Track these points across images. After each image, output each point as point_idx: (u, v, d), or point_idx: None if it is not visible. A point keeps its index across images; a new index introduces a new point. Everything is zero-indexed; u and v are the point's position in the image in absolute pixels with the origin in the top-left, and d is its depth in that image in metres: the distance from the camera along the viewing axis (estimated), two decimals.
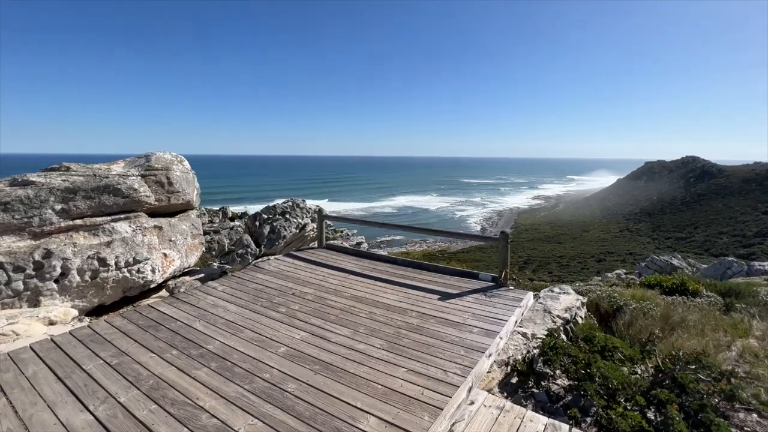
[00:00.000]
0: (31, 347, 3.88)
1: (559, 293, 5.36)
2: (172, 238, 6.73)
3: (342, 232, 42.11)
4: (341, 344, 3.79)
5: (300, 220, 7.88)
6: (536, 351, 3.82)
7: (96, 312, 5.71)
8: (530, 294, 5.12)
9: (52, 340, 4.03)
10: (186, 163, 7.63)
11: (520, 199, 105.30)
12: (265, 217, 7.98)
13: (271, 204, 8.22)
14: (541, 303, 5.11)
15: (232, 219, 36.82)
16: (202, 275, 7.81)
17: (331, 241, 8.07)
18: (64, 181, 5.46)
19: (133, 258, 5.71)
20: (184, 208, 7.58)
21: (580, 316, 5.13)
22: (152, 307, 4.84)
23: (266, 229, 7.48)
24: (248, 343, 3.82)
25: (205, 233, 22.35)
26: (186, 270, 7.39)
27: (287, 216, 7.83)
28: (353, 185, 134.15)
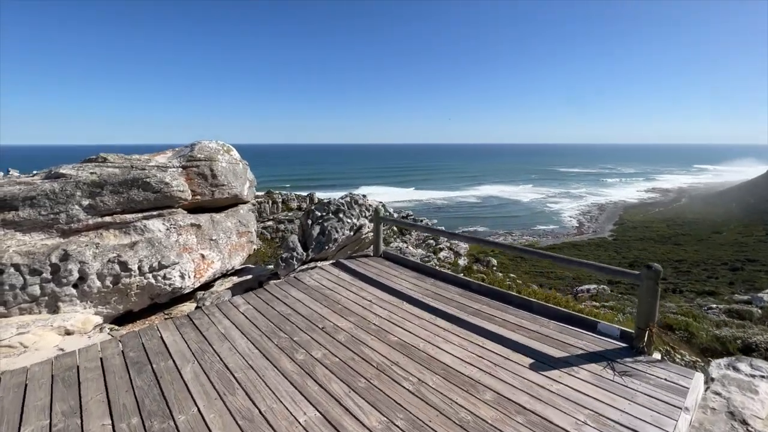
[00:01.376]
0: (27, 370, 3.23)
1: (756, 376, 3.10)
2: (214, 237, 5.96)
3: (421, 221, 40.54)
4: None
5: (355, 221, 6.55)
6: None
7: (124, 319, 5.17)
8: (699, 377, 2.99)
9: (53, 360, 3.31)
10: (234, 153, 6.83)
11: (629, 192, 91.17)
12: (318, 214, 6.85)
13: (325, 199, 7.08)
14: (717, 395, 2.96)
15: None
16: (249, 276, 7.05)
17: (391, 247, 6.61)
18: (91, 173, 4.90)
19: (159, 263, 4.99)
20: (233, 202, 6.82)
21: None
22: (157, 329, 3.97)
23: (316, 230, 6.31)
24: (229, 422, 2.59)
25: (280, 222, 22.63)
26: (230, 272, 6.66)
27: (341, 215, 6.57)
28: (437, 173, 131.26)
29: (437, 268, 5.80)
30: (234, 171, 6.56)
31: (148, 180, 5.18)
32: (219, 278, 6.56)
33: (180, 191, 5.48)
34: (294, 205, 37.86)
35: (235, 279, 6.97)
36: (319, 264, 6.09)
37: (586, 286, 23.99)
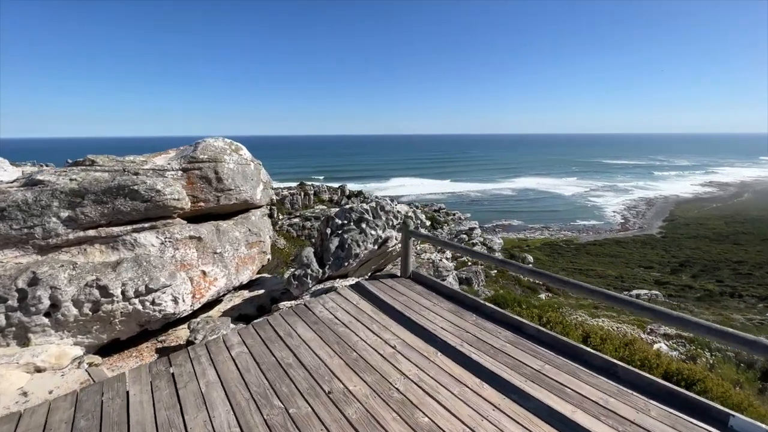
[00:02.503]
0: None
1: None
2: (218, 250, 5.15)
3: (454, 215, 38.94)
4: None
5: (380, 232, 5.51)
6: None
7: (111, 348, 4.48)
8: None
9: None
10: (244, 152, 5.97)
11: (682, 185, 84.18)
12: (339, 223, 5.88)
13: (347, 206, 6.06)
14: None
15: (349, 197, 37.49)
16: (261, 291, 6.25)
17: (420, 268, 5.45)
18: (71, 180, 4.17)
19: (146, 286, 4.22)
20: (243, 208, 6.00)
21: None
22: (125, 382, 3.17)
23: (334, 243, 5.34)
24: None
25: (306, 219, 21.92)
26: (238, 286, 5.88)
27: (364, 225, 5.57)
28: (473, 164, 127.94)
29: (480, 299, 4.66)
30: (243, 173, 5.71)
31: (135, 187, 4.41)
32: (227, 294, 5.80)
33: (175, 199, 4.68)
34: (326, 197, 37.36)
35: (246, 294, 6.19)
36: (336, 284, 5.15)
37: (636, 292, 21.53)
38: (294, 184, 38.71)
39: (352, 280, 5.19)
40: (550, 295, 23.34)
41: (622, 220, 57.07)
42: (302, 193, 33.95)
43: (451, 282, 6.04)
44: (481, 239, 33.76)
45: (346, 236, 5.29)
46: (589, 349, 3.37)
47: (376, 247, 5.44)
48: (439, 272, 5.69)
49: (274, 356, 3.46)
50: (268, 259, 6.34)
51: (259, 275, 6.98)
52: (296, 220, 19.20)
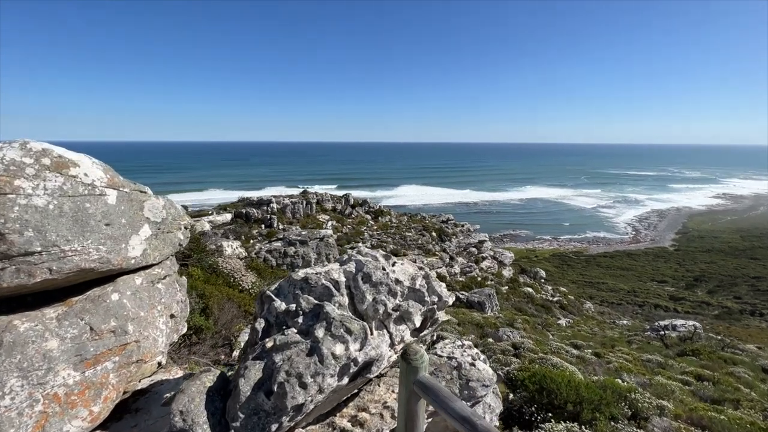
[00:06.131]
0: None
1: None
2: None
3: (462, 226, 39.11)
4: None
5: (355, 348, 2.39)
6: None
7: None
8: None
9: None
10: (87, 168, 2.54)
11: (694, 197, 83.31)
12: (276, 319, 2.63)
13: (302, 273, 2.75)
14: None
15: (353, 207, 37.55)
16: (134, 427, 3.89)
17: (436, 375, 2.75)
18: None
19: None
20: (92, 277, 2.54)
21: None
22: None
23: (251, 376, 2.24)
24: None
25: (290, 243, 15.17)
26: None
27: (321, 329, 2.37)
28: (481, 173, 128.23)
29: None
30: (76, 214, 2.37)
31: None
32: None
33: None
34: (329, 206, 36.51)
35: None
36: None
37: (670, 321, 17.15)
38: (296, 192, 37.90)
39: None
40: (567, 316, 22.76)
41: (633, 232, 56.63)
42: (304, 202, 31.66)
43: (491, 405, 3.29)
44: (491, 252, 33.77)
45: (278, 360, 2.26)
46: None
47: (344, 381, 2.38)
48: (471, 389, 2.92)
49: None
50: (159, 364, 2.90)
51: (157, 378, 3.43)
52: (278, 244, 14.68)
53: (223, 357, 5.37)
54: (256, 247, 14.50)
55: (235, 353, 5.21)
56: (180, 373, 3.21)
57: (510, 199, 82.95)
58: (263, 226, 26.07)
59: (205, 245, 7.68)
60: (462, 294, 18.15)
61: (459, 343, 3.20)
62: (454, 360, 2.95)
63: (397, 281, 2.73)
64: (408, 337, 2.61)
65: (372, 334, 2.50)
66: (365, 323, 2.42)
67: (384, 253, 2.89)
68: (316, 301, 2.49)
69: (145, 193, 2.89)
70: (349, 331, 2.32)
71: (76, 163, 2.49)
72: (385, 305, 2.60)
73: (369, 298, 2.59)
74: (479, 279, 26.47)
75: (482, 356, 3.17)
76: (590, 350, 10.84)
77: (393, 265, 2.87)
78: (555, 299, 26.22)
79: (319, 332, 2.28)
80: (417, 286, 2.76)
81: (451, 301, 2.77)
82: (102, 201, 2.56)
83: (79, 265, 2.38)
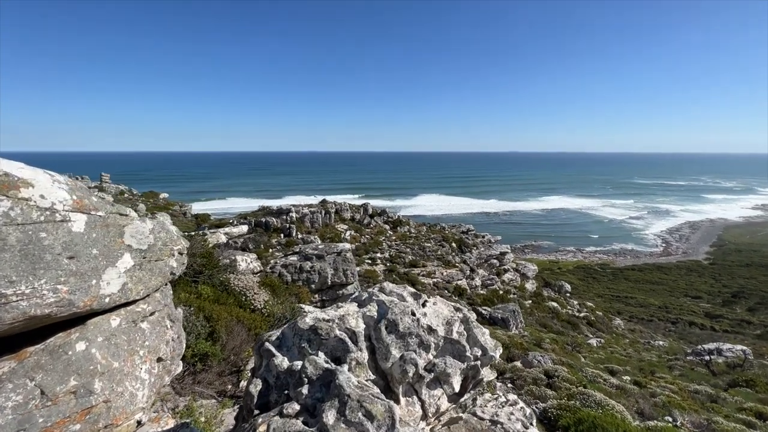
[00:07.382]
0: None
1: None
2: None
3: (483, 237, 38.10)
4: None
5: None
6: None
7: None
8: None
9: None
10: (42, 190, 1.95)
11: (730, 209, 78.98)
12: (279, 365, 2.17)
13: (307, 319, 2.29)
14: None
15: (372, 216, 37.26)
16: None
17: None
18: None
19: None
20: (47, 322, 2.01)
21: None
22: None
23: None
24: None
25: (307, 258, 13.86)
26: None
27: (338, 404, 1.77)
28: (502, 183, 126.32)
29: None
30: (26, 247, 1.79)
31: None
32: None
33: None
34: (347, 215, 36.36)
35: None
36: None
37: (716, 346, 15.45)
38: (315, 201, 37.82)
39: None
40: (596, 334, 21.44)
41: (664, 245, 53.90)
42: (323, 211, 31.27)
43: None
44: (514, 265, 32.55)
45: None
46: None
47: None
48: None
49: None
50: (139, 423, 2.41)
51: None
52: (293, 258, 13.29)
53: (230, 387, 4.94)
54: (271, 262, 13.67)
55: (243, 383, 4.80)
56: (171, 424, 2.68)
57: (532, 209, 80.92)
58: (282, 235, 26.01)
59: (218, 260, 7.41)
60: (484, 310, 17.29)
61: (503, 399, 2.51)
62: (499, 426, 2.24)
63: (430, 329, 2.13)
64: (445, 405, 2.05)
65: (399, 403, 1.90)
66: (392, 403, 1.71)
67: (412, 290, 2.35)
68: (326, 365, 1.94)
69: (126, 216, 2.36)
70: (369, 416, 1.63)
71: (28, 183, 1.90)
72: (416, 365, 2.02)
73: (395, 354, 2.03)
74: (501, 292, 25.39)
75: (534, 417, 2.50)
76: (628, 377, 9.87)
77: (423, 305, 2.32)
78: (582, 315, 24.82)
79: (329, 416, 1.66)
80: (454, 335, 2.18)
81: (498, 354, 2.13)
82: (64, 229, 2.00)
83: (26, 313, 1.84)
